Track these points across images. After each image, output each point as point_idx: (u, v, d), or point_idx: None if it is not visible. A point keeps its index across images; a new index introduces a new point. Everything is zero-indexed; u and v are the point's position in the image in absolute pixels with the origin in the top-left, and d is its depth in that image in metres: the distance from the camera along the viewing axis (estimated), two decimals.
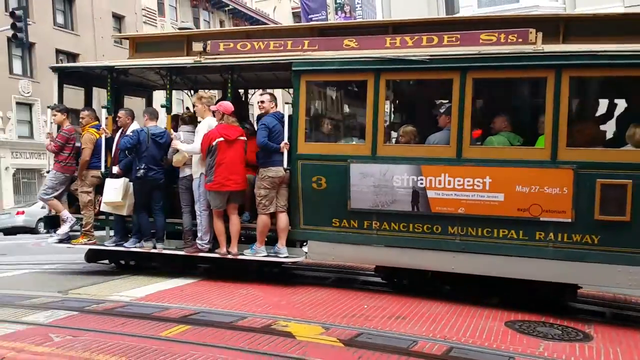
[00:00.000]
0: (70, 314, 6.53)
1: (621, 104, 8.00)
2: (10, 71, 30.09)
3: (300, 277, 9.30)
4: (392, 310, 6.76)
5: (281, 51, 8.18)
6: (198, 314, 6.47)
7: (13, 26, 20.85)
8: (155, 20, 39.57)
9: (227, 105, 8.14)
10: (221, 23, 44.61)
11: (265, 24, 41.56)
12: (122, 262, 9.60)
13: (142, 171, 8.40)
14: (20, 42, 20.92)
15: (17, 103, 30.25)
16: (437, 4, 20.34)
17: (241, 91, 10.51)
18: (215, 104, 8.50)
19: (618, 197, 6.61)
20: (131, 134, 8.54)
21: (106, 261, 9.70)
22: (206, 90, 9.91)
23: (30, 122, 31.08)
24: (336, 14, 33.03)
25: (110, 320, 6.21)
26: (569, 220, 6.82)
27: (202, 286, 8.02)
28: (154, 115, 8.79)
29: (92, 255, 9.62)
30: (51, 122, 9.48)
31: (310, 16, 31.21)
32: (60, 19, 33.90)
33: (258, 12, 48.66)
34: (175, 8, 41.55)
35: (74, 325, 6.00)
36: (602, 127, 7.64)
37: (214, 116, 8.22)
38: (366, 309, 6.83)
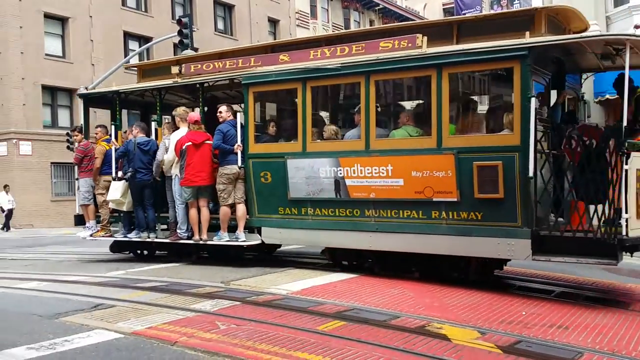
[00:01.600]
0: (233, 303, 6.88)
1: (497, 95, 8.92)
2: None
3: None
4: (552, 319, 6.45)
5: (235, 69, 9.68)
6: (352, 310, 6.56)
7: (180, 32, 22.27)
8: (308, 22, 40.79)
9: (192, 115, 9.83)
10: (371, 22, 45.01)
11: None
12: (138, 251, 11.46)
13: (129, 174, 10.26)
14: (186, 47, 22.04)
15: None
16: None
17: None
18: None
19: (492, 177, 7.47)
20: (122, 146, 10.54)
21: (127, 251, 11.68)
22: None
23: None
24: (492, 8, 31.96)
25: (270, 312, 6.45)
26: (456, 199, 7.78)
27: (353, 283, 8.17)
28: (143, 128, 10.58)
29: (116, 247, 11.66)
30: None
31: (463, 12, 30.43)
32: (220, 25, 36.09)
33: (408, 10, 48.51)
34: (327, 10, 42.57)
35: (237, 315, 6.27)
36: (484, 116, 8.55)
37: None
38: (524, 315, 6.57)
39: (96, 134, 11.31)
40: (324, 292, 7.53)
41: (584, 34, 7.92)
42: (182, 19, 22.47)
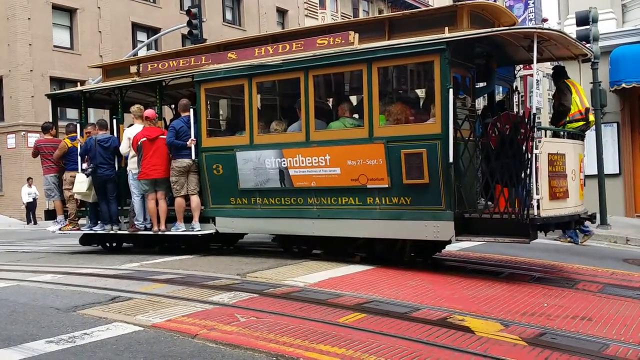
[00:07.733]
0: (251, 295, 6.79)
1: (422, 86, 9.34)
2: None
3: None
4: (575, 310, 6.36)
5: (188, 67, 10.15)
6: (371, 302, 6.48)
7: (189, 23, 22.06)
8: (317, 12, 40.52)
9: (147, 112, 10.27)
10: (380, 12, 44.57)
11: None
12: (107, 244, 11.85)
13: (89, 169, 10.66)
14: (195, 38, 21.87)
15: None
16: None
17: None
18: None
19: (417, 164, 7.93)
20: (83, 143, 10.91)
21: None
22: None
23: None
24: None
25: (289, 304, 6.37)
26: (387, 185, 8.25)
27: (371, 275, 8.11)
28: (103, 125, 10.98)
29: (85, 240, 12.07)
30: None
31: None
32: (229, 15, 36.04)
33: None
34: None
35: (256, 307, 6.19)
36: (411, 107, 8.83)
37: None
38: (546, 307, 6.49)
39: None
40: (342, 284, 7.46)
41: (495, 29, 8.25)
42: (192, 10, 22.26)
